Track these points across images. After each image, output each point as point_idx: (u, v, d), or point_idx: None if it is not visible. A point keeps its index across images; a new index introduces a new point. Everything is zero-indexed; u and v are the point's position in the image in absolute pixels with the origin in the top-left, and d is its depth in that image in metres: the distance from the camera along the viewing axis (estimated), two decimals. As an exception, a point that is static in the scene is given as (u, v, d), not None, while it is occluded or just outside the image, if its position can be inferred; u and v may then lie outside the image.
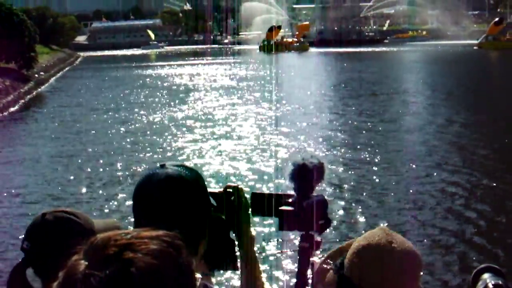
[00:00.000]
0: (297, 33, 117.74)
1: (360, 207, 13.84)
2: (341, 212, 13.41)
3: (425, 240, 11.65)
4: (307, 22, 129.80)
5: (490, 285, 2.14)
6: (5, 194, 16.01)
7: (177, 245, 1.15)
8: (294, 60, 79.17)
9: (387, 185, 15.70)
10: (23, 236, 2.11)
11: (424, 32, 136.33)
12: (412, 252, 1.83)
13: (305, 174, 2.36)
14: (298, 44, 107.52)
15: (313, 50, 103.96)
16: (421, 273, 1.86)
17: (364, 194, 14.93)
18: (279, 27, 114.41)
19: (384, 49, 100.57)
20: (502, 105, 30.82)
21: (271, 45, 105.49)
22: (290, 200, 2.29)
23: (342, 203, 14.06)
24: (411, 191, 15.06)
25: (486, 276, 2.17)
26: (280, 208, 2.23)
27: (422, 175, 16.53)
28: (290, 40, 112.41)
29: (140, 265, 1.08)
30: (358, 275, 1.82)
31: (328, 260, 2.01)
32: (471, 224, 12.67)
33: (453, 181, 15.89)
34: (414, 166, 17.55)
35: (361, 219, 13.06)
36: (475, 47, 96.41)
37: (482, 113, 27.72)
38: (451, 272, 10.23)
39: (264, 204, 2.24)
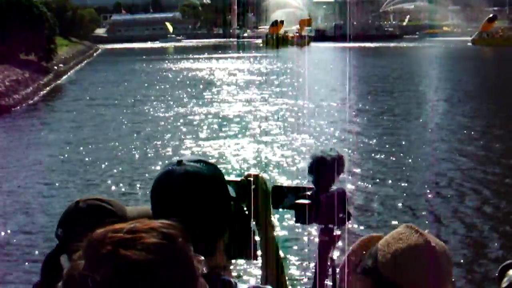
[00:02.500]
0: (299, 27, 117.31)
1: (384, 202, 13.73)
2: (364, 207, 13.32)
3: (452, 235, 11.54)
4: (308, 17, 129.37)
5: (515, 281, 2.11)
6: (25, 187, 16.15)
7: (172, 235, 1.16)
8: (293, 54, 78.73)
9: (411, 180, 15.57)
10: (57, 223, 2.16)
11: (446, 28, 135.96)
12: (446, 249, 1.79)
13: (324, 167, 2.32)
14: (300, 39, 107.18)
15: (313, 44, 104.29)
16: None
17: (387, 189, 14.82)
18: (282, 22, 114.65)
19: (394, 44, 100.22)
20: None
21: (273, 40, 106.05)
22: (308, 193, 2.26)
23: (365, 198, 13.98)
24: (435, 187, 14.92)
25: (511, 272, 2.14)
26: (296, 201, 2.19)
27: (447, 174, 16.36)
28: (291, 34, 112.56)
29: (134, 262, 1.10)
30: (404, 279, 1.73)
31: (352, 257, 1.94)
32: (500, 219, 12.55)
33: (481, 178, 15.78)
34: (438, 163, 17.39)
35: (386, 215, 12.95)
36: (468, 44, 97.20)
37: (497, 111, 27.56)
38: (478, 267, 10.12)
39: (283, 196, 2.21)
